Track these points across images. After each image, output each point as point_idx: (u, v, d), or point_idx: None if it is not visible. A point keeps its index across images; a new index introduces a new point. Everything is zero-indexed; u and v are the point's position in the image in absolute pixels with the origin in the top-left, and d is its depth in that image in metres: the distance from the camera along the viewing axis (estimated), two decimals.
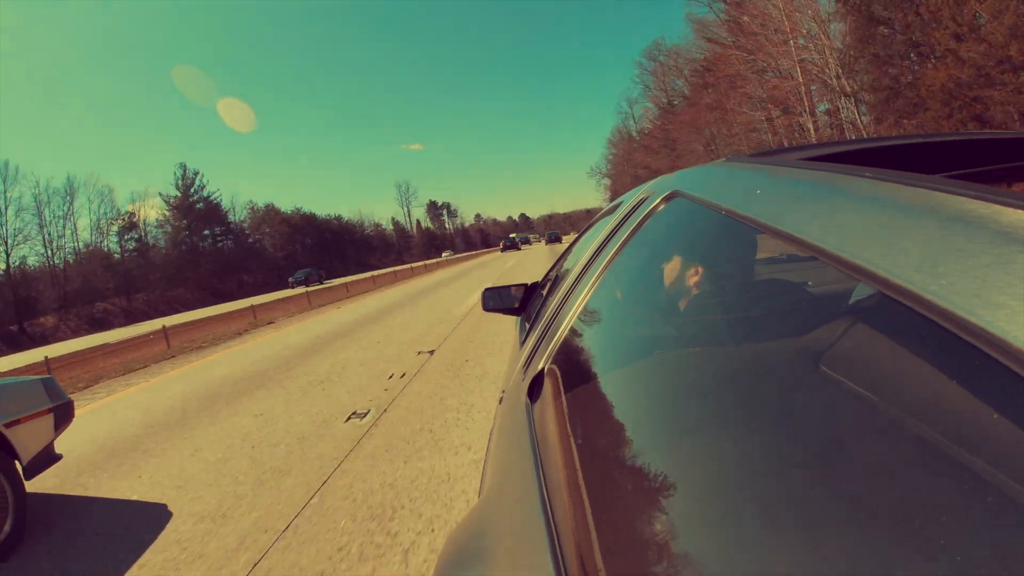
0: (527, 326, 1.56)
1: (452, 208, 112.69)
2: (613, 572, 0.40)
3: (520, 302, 2.05)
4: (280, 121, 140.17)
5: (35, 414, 2.68)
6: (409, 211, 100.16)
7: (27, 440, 2.61)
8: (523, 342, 1.40)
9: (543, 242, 55.81)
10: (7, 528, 2.38)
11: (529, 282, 2.15)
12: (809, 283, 0.61)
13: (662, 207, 0.83)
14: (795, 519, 0.31)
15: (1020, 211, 0.29)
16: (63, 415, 2.88)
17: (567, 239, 43.39)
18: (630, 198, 1.11)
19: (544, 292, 1.70)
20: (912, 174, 0.41)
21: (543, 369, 0.90)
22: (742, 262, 0.70)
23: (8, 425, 2.50)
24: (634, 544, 0.42)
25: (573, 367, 0.85)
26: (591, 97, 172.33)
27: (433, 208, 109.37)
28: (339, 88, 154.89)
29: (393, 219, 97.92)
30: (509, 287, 2.10)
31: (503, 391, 1.25)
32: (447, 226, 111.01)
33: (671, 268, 0.75)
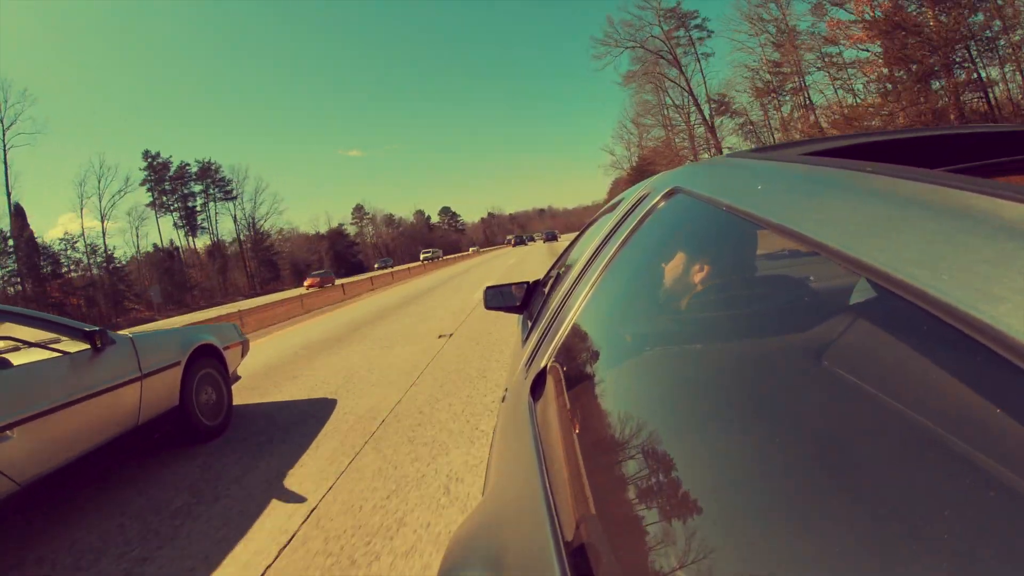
0: (529, 324, 1.56)
1: (226, 183, 48.91)
2: (618, 570, 0.40)
3: (522, 300, 2.05)
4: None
5: (235, 344, 4.13)
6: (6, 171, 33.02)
7: (231, 360, 4.02)
8: (525, 340, 1.41)
9: (541, 241, 60.83)
10: (222, 417, 3.73)
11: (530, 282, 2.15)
12: (811, 279, 0.61)
13: (663, 203, 0.83)
14: (800, 515, 0.31)
15: (1021, 205, 0.29)
16: (245, 348, 4.36)
17: (565, 238, 43.93)
18: (631, 195, 1.11)
19: (546, 290, 1.70)
20: (913, 169, 0.41)
21: (545, 367, 0.90)
22: (744, 258, 0.70)
23: (224, 348, 3.91)
24: (638, 541, 0.42)
25: (575, 364, 0.85)
26: (551, 86, 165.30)
27: (163, 186, 45.40)
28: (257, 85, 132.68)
29: None
30: (511, 285, 2.09)
31: (506, 389, 1.25)
32: (207, 231, 48.68)
33: (673, 264, 0.75)
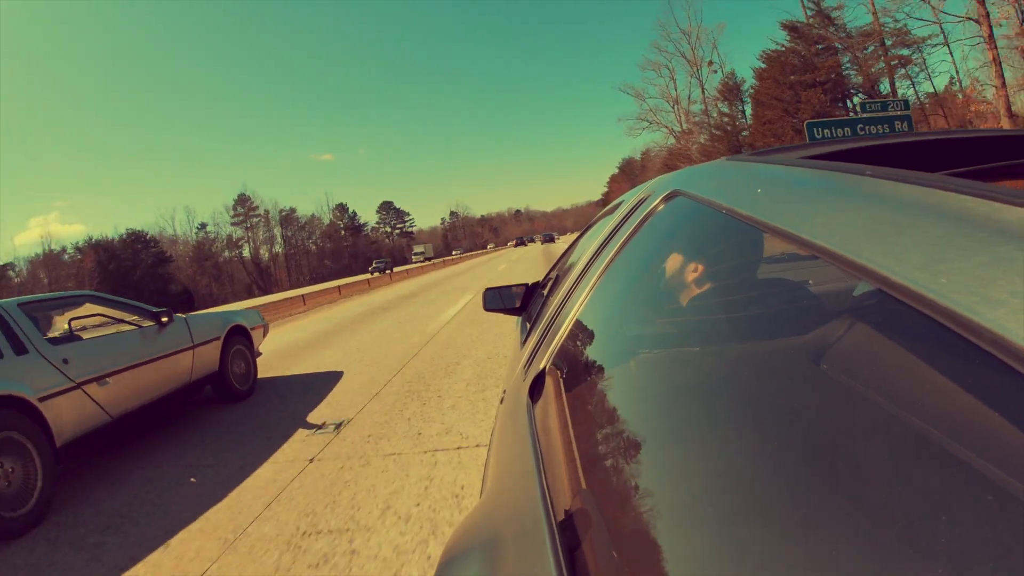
0: (528, 326, 1.56)
1: None
2: (615, 571, 0.40)
3: (521, 302, 2.05)
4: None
5: (258, 326, 5.24)
6: None
7: (256, 339, 5.13)
8: (524, 342, 1.40)
9: (539, 242, 65.87)
10: (250, 383, 4.88)
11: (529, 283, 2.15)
12: (810, 282, 0.61)
13: (662, 207, 0.83)
14: (797, 519, 0.31)
15: (1021, 209, 0.29)
16: (266, 330, 5.46)
17: (563, 240, 44.85)
18: (630, 197, 1.11)
19: (545, 292, 1.70)
20: (913, 172, 0.41)
21: (544, 369, 0.90)
22: (743, 261, 0.70)
23: (252, 329, 5.03)
24: (636, 543, 0.42)
25: (574, 367, 0.85)
26: (542, 87, 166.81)
27: None
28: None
29: None
30: (510, 287, 2.10)
31: (504, 391, 1.25)
32: None
33: (672, 267, 0.75)
